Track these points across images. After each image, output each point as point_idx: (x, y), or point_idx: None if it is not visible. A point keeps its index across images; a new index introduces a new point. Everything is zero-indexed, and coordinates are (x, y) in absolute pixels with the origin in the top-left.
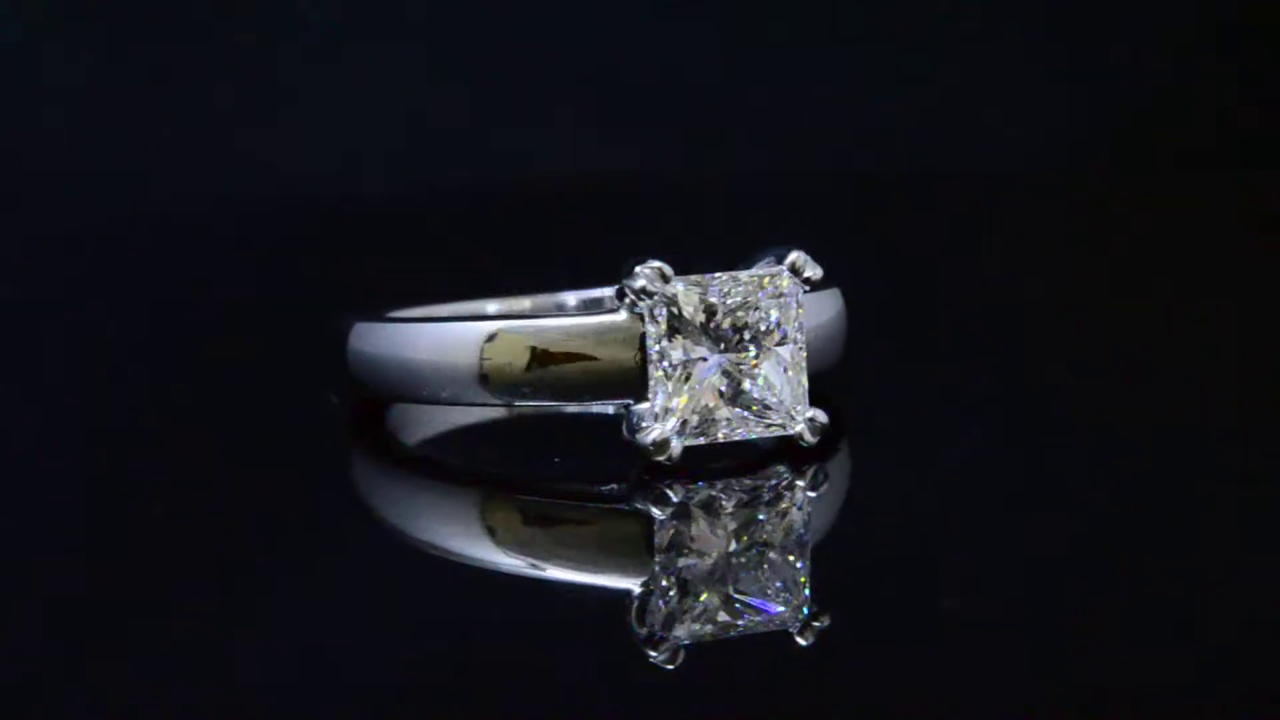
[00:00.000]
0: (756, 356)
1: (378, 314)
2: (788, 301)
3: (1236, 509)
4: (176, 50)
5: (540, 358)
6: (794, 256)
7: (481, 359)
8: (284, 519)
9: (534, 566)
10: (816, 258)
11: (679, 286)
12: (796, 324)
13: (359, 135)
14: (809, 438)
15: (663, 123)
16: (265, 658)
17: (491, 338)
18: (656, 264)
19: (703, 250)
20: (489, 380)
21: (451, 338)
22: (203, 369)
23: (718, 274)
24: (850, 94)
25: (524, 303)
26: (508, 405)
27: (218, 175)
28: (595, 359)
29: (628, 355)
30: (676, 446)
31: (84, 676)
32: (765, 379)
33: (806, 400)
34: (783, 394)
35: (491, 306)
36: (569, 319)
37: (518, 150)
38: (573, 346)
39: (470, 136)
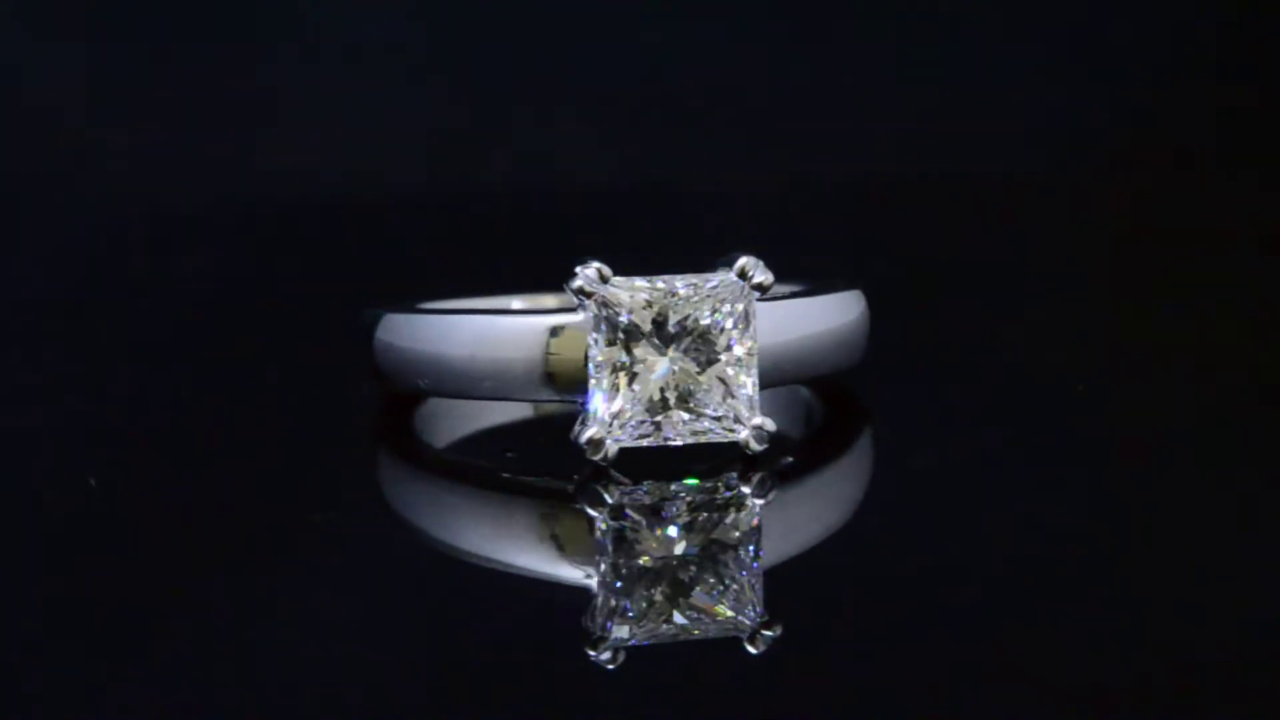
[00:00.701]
0: (701, 361)
1: (408, 305)
2: (735, 306)
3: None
4: (185, 54)
5: None
6: (743, 261)
7: (548, 354)
8: (306, 522)
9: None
10: (781, 262)
11: (620, 289)
12: (743, 329)
13: (357, 137)
14: (754, 445)
15: (668, 127)
16: (282, 661)
17: (557, 331)
18: (596, 265)
19: (708, 253)
20: (554, 377)
21: (511, 331)
22: (222, 369)
23: (664, 277)
24: (851, 96)
25: (548, 300)
26: (552, 402)
27: (218, 176)
28: None
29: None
30: (611, 447)
31: (107, 677)
32: (710, 384)
33: (756, 407)
34: (728, 399)
35: (516, 303)
36: None
37: (526, 153)
38: None
39: (473, 139)
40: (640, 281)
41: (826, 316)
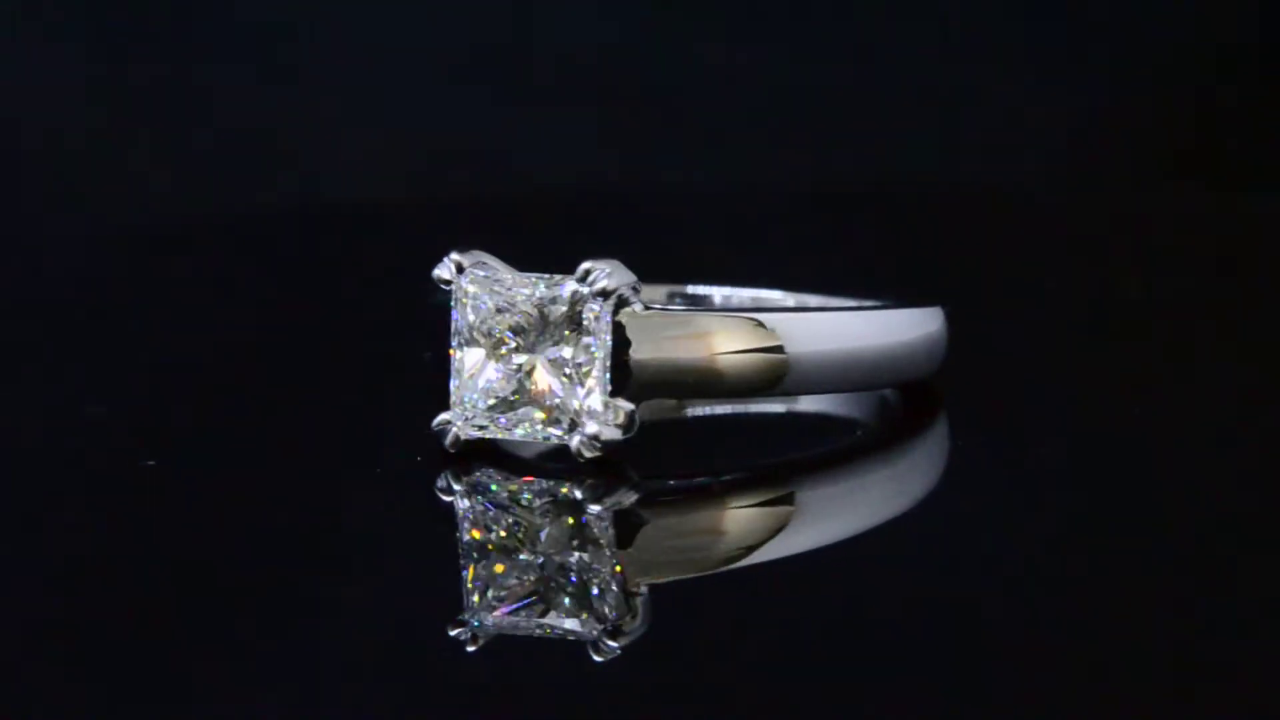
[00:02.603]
0: (536, 360)
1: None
2: (578, 309)
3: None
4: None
5: None
6: (585, 266)
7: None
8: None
9: None
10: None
11: (475, 283)
12: (579, 335)
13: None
14: (585, 454)
15: (674, 130)
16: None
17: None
18: (457, 256)
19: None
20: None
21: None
22: (274, 381)
23: (530, 276)
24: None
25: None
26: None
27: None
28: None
29: None
30: (452, 435)
31: (143, 684)
32: (546, 384)
33: (597, 414)
34: (569, 402)
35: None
36: None
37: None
38: None
39: (478, 142)
40: (505, 275)
41: (908, 328)
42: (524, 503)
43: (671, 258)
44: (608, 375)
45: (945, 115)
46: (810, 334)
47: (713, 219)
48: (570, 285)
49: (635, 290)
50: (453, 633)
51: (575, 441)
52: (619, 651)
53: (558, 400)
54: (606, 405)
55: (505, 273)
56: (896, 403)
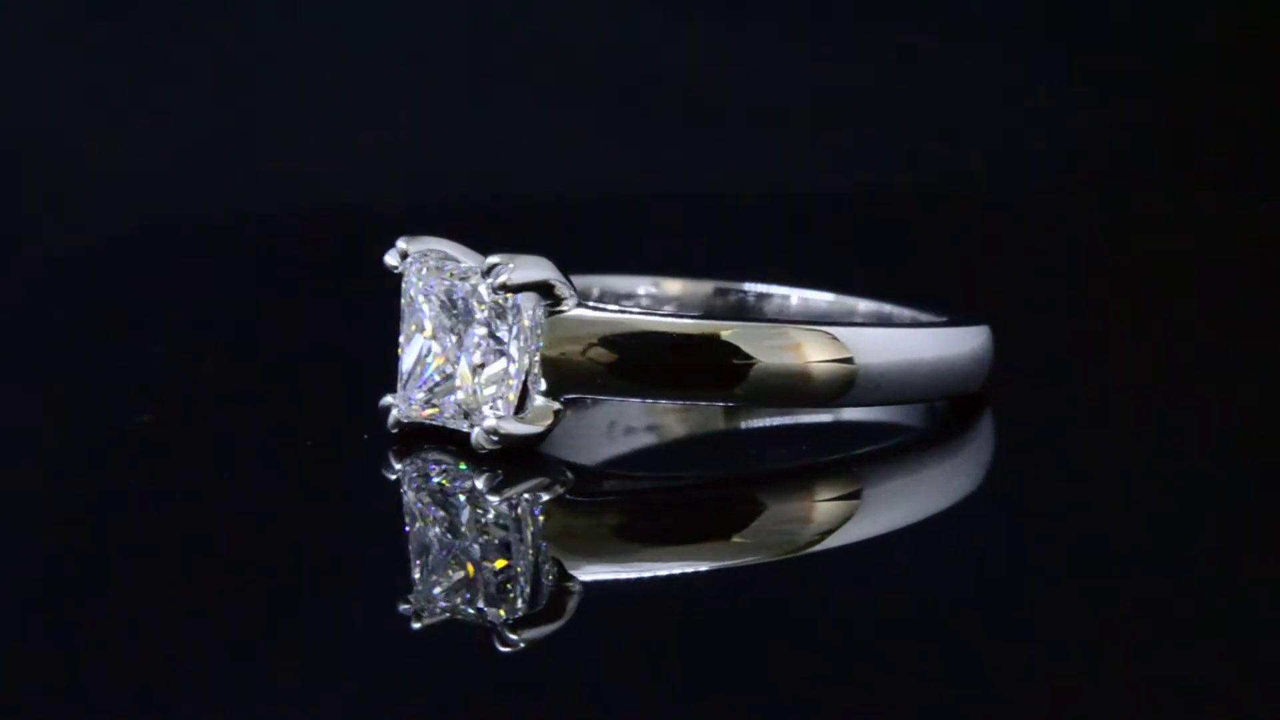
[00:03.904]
0: (456, 350)
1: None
2: (485, 304)
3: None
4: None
5: None
6: (492, 260)
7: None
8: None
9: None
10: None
11: (415, 270)
12: (488, 327)
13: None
14: (484, 445)
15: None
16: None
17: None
18: (402, 244)
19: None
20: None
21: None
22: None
23: (466, 266)
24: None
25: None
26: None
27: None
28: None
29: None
30: (393, 417)
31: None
32: (461, 374)
33: (499, 411)
34: (477, 393)
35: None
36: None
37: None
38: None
39: (482, 143)
40: (463, 262)
41: (956, 345)
42: (451, 488)
43: (673, 257)
44: (524, 371)
45: (959, 119)
46: (877, 348)
47: (713, 219)
48: (475, 278)
49: (550, 286)
50: (402, 608)
51: (475, 434)
52: (522, 645)
53: (469, 391)
54: (517, 401)
55: (467, 260)
56: (945, 412)
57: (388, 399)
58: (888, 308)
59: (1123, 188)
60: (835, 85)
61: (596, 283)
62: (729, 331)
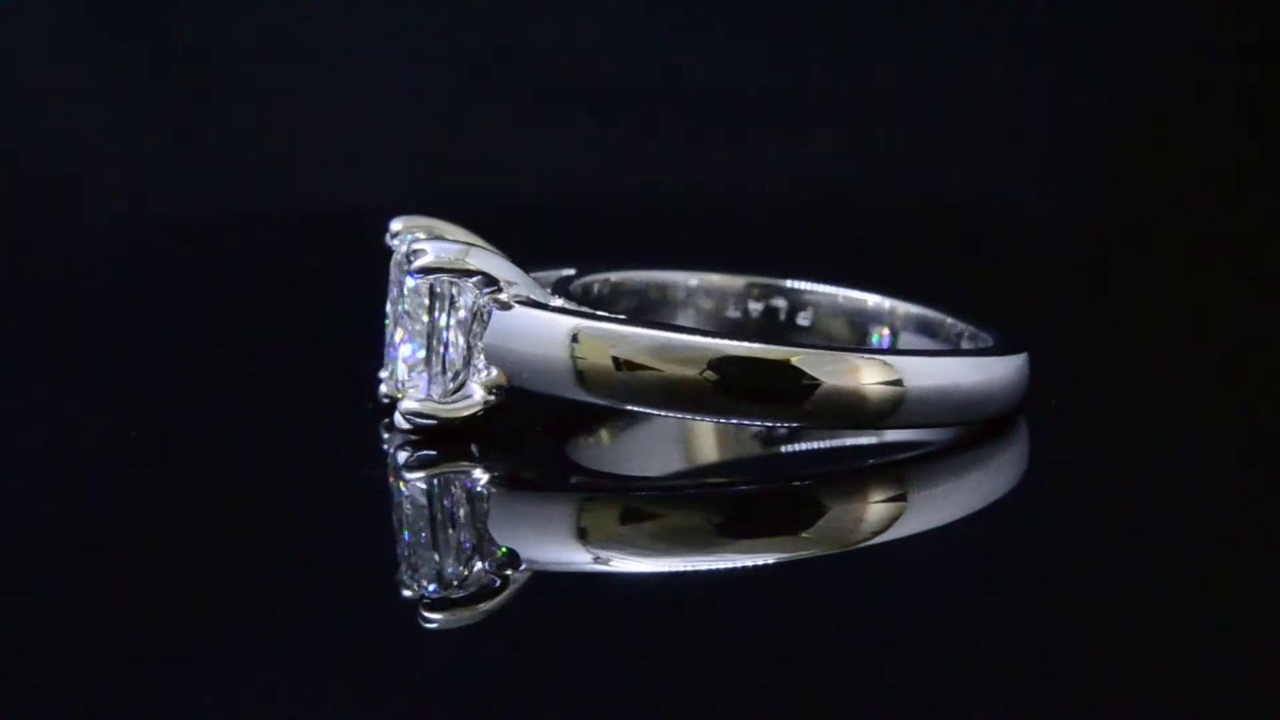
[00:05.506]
0: (418, 329)
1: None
2: (416, 283)
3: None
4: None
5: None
6: (404, 236)
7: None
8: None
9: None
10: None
11: (399, 247)
12: (425, 313)
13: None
14: (400, 423)
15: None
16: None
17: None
18: (395, 223)
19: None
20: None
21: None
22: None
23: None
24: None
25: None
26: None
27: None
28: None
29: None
30: (380, 391)
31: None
32: (397, 354)
33: (419, 394)
34: (407, 373)
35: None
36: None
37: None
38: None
39: (482, 145)
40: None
41: (992, 371)
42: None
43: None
44: (457, 354)
45: (964, 127)
46: (924, 372)
47: (713, 220)
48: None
49: (467, 273)
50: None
51: (396, 413)
52: (437, 624)
53: (402, 373)
54: (445, 384)
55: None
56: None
57: (382, 374)
58: (930, 313)
59: (1137, 197)
60: (845, 90)
61: (645, 277)
62: (799, 357)
